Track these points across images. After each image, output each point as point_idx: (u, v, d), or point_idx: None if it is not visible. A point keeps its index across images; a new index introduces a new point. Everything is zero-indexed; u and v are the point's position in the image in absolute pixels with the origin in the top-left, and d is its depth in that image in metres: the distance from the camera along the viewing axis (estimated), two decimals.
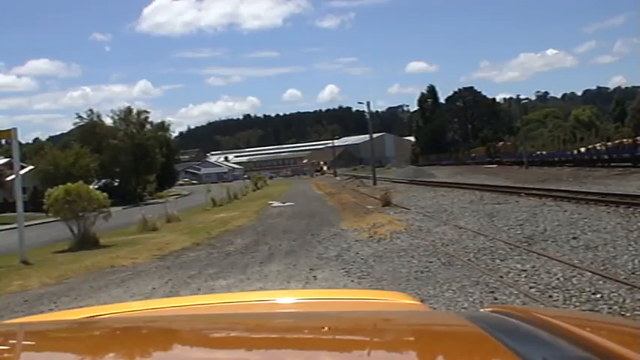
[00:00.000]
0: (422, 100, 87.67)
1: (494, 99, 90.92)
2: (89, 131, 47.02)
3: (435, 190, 24.70)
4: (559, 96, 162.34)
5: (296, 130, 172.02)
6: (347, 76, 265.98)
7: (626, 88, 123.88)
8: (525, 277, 6.67)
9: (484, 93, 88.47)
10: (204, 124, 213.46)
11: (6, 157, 36.76)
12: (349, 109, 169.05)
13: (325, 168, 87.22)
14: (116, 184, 46.29)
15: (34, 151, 49.15)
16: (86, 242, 13.78)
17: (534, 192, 17.47)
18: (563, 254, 7.73)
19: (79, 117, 49.19)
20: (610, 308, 5.18)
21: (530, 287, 6.18)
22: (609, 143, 33.19)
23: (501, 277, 6.77)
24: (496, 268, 7.34)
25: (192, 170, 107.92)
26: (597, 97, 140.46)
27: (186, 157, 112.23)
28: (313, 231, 13.45)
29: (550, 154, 41.84)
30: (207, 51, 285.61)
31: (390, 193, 20.74)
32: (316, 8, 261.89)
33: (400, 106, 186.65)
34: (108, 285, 8.55)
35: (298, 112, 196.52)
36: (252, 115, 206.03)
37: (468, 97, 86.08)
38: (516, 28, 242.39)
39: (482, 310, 1.37)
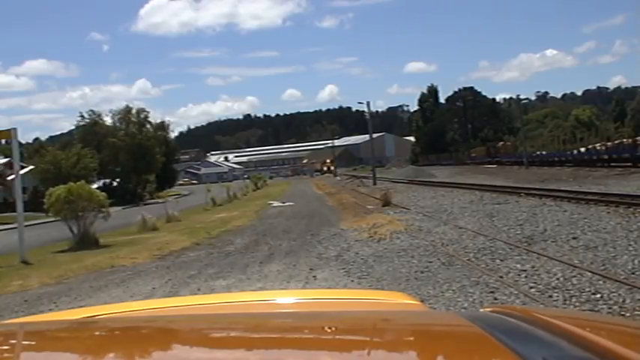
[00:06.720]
0: (422, 100, 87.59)
1: (494, 99, 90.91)
2: (90, 131, 47.04)
3: (434, 190, 24.70)
4: (559, 96, 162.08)
5: (296, 130, 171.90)
6: (347, 76, 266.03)
7: (626, 88, 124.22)
8: (525, 277, 6.67)
9: (484, 93, 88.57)
10: (203, 124, 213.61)
11: (6, 157, 36.78)
12: (349, 109, 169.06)
13: (332, 167, 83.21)
14: (116, 184, 46.31)
15: (34, 151, 49.09)
16: (86, 242, 13.79)
17: (534, 192, 17.47)
18: (563, 254, 7.73)
19: (82, 116, 49.26)
20: (610, 308, 5.18)
21: (530, 287, 6.18)
22: (609, 143, 33.21)
23: (501, 277, 6.77)
24: (496, 268, 7.34)
25: (192, 170, 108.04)
26: (597, 97, 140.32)
27: (186, 157, 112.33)
28: (313, 231, 13.45)
29: (550, 154, 41.86)
30: (206, 51, 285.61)
31: (390, 193, 20.75)
32: (316, 8, 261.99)
33: (400, 106, 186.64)
34: (108, 285, 8.55)
35: (298, 112, 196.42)
36: (252, 115, 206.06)
37: (468, 97, 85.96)
38: (516, 28, 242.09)
39: (482, 310, 1.37)
